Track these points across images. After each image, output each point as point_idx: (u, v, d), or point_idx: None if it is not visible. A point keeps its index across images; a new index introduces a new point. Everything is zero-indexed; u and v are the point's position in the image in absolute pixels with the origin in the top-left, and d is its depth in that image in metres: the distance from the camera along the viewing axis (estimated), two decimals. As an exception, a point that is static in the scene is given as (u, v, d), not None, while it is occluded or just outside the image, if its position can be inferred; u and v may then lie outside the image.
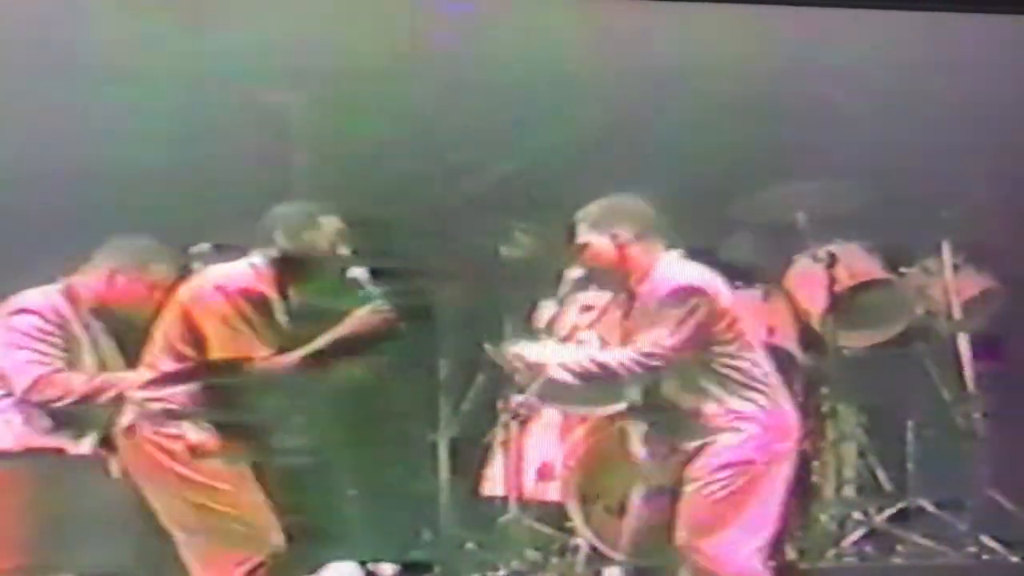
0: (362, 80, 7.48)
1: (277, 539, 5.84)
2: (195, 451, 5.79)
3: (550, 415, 7.59)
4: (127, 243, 6.53)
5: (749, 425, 5.94)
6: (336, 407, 7.24)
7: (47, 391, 6.27)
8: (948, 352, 7.71)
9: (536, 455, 7.57)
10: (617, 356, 5.99)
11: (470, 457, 7.65)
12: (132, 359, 6.27)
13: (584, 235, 6.15)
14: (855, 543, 7.45)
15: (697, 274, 6.04)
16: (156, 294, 6.36)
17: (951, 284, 7.70)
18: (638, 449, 6.16)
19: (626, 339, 6.07)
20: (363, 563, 7.10)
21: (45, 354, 6.33)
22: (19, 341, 6.35)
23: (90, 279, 6.50)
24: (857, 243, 7.67)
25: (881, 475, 7.71)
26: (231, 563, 5.76)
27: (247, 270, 5.92)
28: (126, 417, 5.93)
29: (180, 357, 5.86)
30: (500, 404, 7.49)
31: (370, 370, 7.39)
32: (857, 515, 7.54)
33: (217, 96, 7.40)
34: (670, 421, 6.03)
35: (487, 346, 7.42)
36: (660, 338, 5.91)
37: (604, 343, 6.35)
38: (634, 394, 6.19)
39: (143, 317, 6.29)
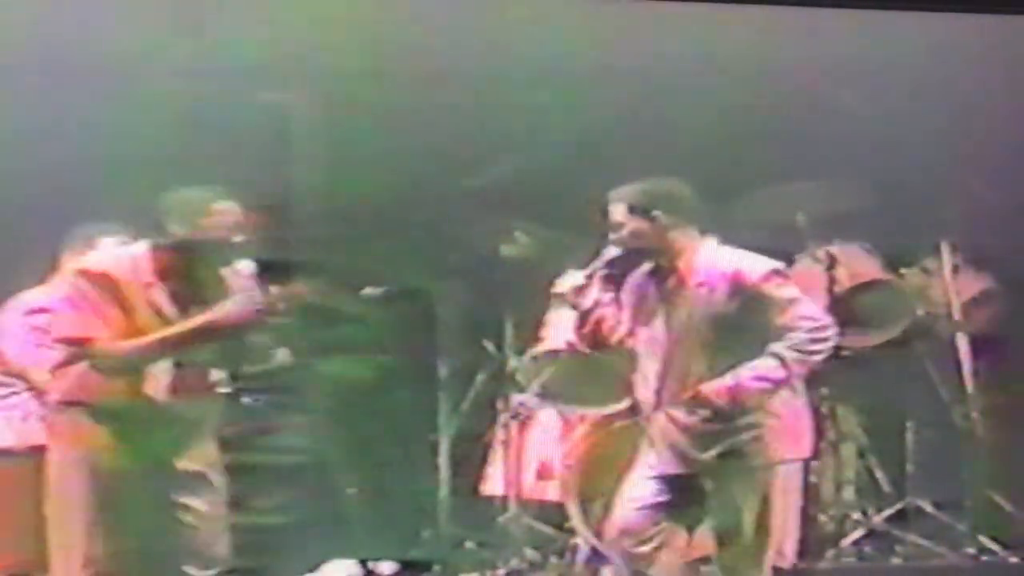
0: (362, 79, 7.48)
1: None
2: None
3: (549, 415, 7.60)
4: (90, 229, 6.47)
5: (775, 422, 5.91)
6: (336, 406, 7.26)
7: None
8: (948, 353, 7.71)
9: (535, 454, 7.57)
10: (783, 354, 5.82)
11: (470, 456, 7.65)
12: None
13: (620, 215, 6.02)
14: (854, 543, 7.45)
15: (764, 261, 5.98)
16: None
17: (951, 285, 7.71)
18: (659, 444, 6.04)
19: (673, 321, 5.96)
20: (363, 561, 7.10)
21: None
22: (43, 340, 6.34)
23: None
24: (857, 244, 7.67)
25: (880, 475, 7.71)
26: None
27: (115, 254, 5.80)
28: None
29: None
30: (500, 403, 7.50)
31: (371, 369, 7.43)
32: (856, 515, 7.54)
33: (216, 95, 7.40)
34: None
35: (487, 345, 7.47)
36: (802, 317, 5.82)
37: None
38: (644, 392, 6.10)
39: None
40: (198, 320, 5.67)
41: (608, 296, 6.06)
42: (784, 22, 7.38)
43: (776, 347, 5.82)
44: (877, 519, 7.54)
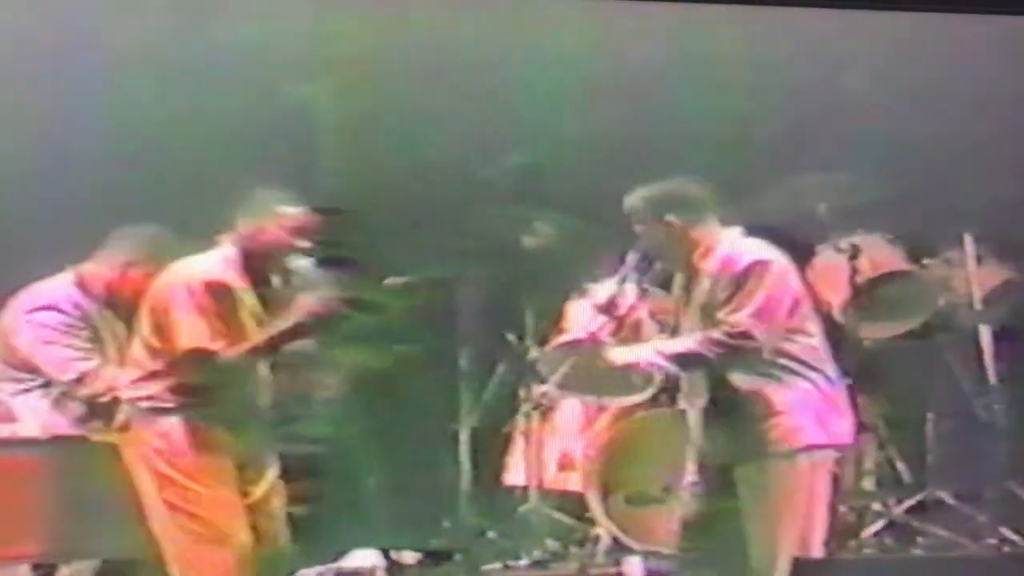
0: (385, 71, 7.49)
1: (244, 539, 5.81)
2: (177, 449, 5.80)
3: (570, 405, 7.61)
4: (138, 233, 6.49)
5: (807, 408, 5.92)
6: (358, 397, 7.27)
7: (95, 385, 6.31)
8: (970, 344, 7.69)
9: (557, 445, 7.58)
10: (703, 338, 5.87)
11: (491, 447, 7.67)
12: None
13: (640, 219, 6.04)
14: (875, 535, 7.45)
15: (768, 249, 5.98)
16: None
17: (973, 276, 7.69)
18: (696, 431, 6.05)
19: (692, 317, 5.97)
20: (385, 551, 7.12)
21: (79, 348, 6.37)
22: (48, 336, 6.37)
23: (102, 270, 6.49)
24: (880, 234, 7.65)
25: (901, 467, 7.70)
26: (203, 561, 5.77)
27: (216, 261, 5.87)
28: (121, 415, 5.96)
29: (156, 352, 5.85)
30: (521, 394, 7.51)
31: (392, 360, 7.44)
32: (877, 507, 7.54)
33: (239, 87, 7.42)
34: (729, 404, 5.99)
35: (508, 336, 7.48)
36: (742, 314, 5.82)
37: (662, 327, 6.24)
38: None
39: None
40: (289, 317, 5.78)
41: (640, 299, 6.09)
42: (807, 18, 7.37)
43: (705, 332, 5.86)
44: (898, 510, 7.53)
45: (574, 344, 7.36)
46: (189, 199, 6.94)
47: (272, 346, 5.82)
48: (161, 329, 5.82)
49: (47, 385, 6.42)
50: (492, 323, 7.68)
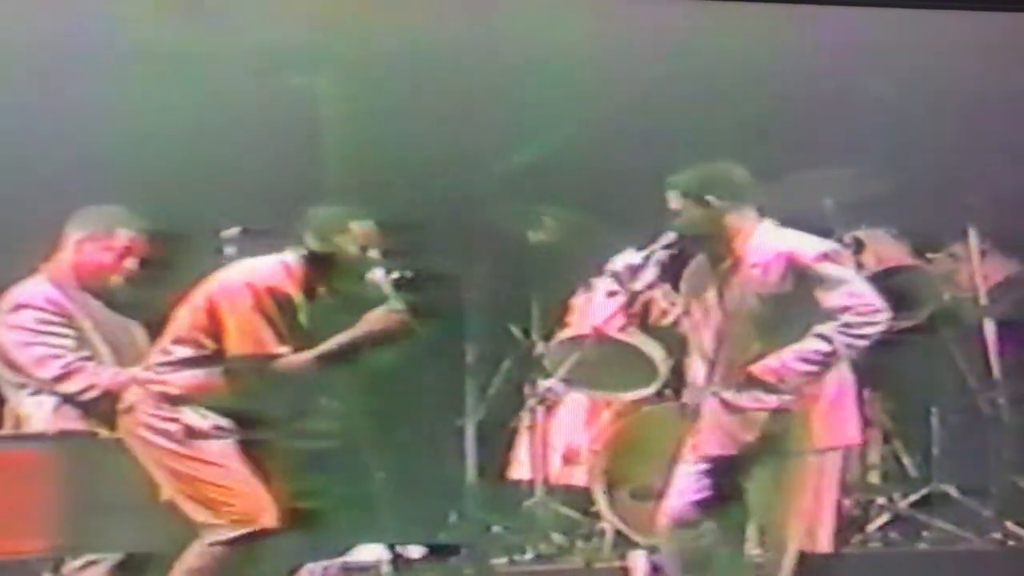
0: (391, 64, 7.49)
1: (268, 520, 5.84)
2: (191, 433, 5.84)
3: (576, 400, 7.62)
4: (92, 211, 6.42)
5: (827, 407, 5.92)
6: (364, 391, 7.27)
7: (77, 379, 6.28)
8: (974, 338, 7.70)
9: (562, 439, 7.59)
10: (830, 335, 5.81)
11: (496, 441, 7.68)
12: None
13: (675, 202, 5.98)
14: (879, 529, 7.46)
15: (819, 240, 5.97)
16: (127, 261, 6.34)
17: (978, 270, 7.70)
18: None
19: (727, 302, 5.95)
20: (391, 545, 7.12)
21: (59, 346, 6.31)
22: (26, 338, 6.30)
23: (61, 255, 6.41)
24: (884, 229, 7.66)
25: (906, 461, 7.72)
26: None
27: (278, 268, 5.94)
28: (129, 397, 5.99)
29: (199, 347, 5.89)
30: (526, 388, 7.52)
31: (398, 355, 7.44)
32: (881, 501, 7.55)
33: (243, 80, 7.41)
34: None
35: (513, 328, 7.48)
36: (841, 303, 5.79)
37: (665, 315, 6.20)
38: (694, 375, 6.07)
39: (122, 286, 6.32)
40: (356, 330, 5.84)
41: (661, 279, 6.04)
42: (809, 14, 7.37)
43: (823, 328, 5.81)
44: (903, 504, 7.54)
45: (580, 338, 7.39)
46: (190, 197, 6.96)
47: (334, 357, 5.86)
48: (213, 326, 5.87)
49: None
50: (498, 318, 7.69)
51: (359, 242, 5.94)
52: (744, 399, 5.87)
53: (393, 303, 5.88)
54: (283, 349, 5.81)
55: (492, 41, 7.54)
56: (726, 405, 5.92)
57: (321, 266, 5.94)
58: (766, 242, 5.92)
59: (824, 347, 5.81)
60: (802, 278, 5.86)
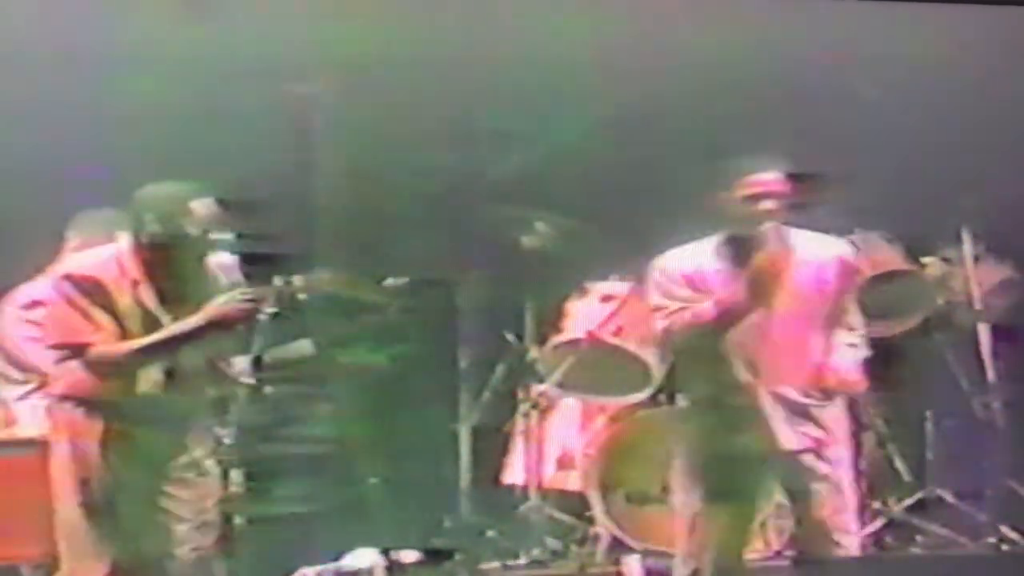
0: (385, 70, 7.50)
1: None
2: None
3: (570, 404, 7.62)
4: (93, 215, 6.42)
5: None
6: (358, 396, 7.29)
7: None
8: (968, 342, 7.69)
9: (556, 444, 7.60)
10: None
11: (491, 446, 7.68)
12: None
13: (723, 195, 5.87)
14: (874, 533, 7.46)
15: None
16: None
17: (972, 274, 7.69)
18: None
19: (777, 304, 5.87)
20: (385, 550, 7.12)
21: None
22: (35, 333, 6.34)
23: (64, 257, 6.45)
24: (877, 233, 7.66)
25: (900, 465, 7.71)
26: None
27: (106, 255, 5.69)
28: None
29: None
30: (520, 393, 7.52)
31: (392, 359, 7.45)
32: (876, 505, 7.55)
33: (240, 86, 7.42)
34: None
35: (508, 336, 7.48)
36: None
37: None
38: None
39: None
40: (192, 319, 5.59)
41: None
42: (804, 12, 7.38)
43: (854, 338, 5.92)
44: (897, 509, 7.54)
45: (573, 344, 7.39)
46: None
47: (167, 347, 5.61)
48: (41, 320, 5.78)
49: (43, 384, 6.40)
50: (492, 323, 7.70)
51: (201, 224, 5.62)
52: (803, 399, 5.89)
53: (237, 289, 5.61)
54: (98, 336, 5.56)
55: (486, 51, 7.56)
56: (785, 402, 5.88)
57: (160, 250, 5.63)
58: (805, 243, 5.90)
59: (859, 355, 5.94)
60: (851, 281, 5.94)
